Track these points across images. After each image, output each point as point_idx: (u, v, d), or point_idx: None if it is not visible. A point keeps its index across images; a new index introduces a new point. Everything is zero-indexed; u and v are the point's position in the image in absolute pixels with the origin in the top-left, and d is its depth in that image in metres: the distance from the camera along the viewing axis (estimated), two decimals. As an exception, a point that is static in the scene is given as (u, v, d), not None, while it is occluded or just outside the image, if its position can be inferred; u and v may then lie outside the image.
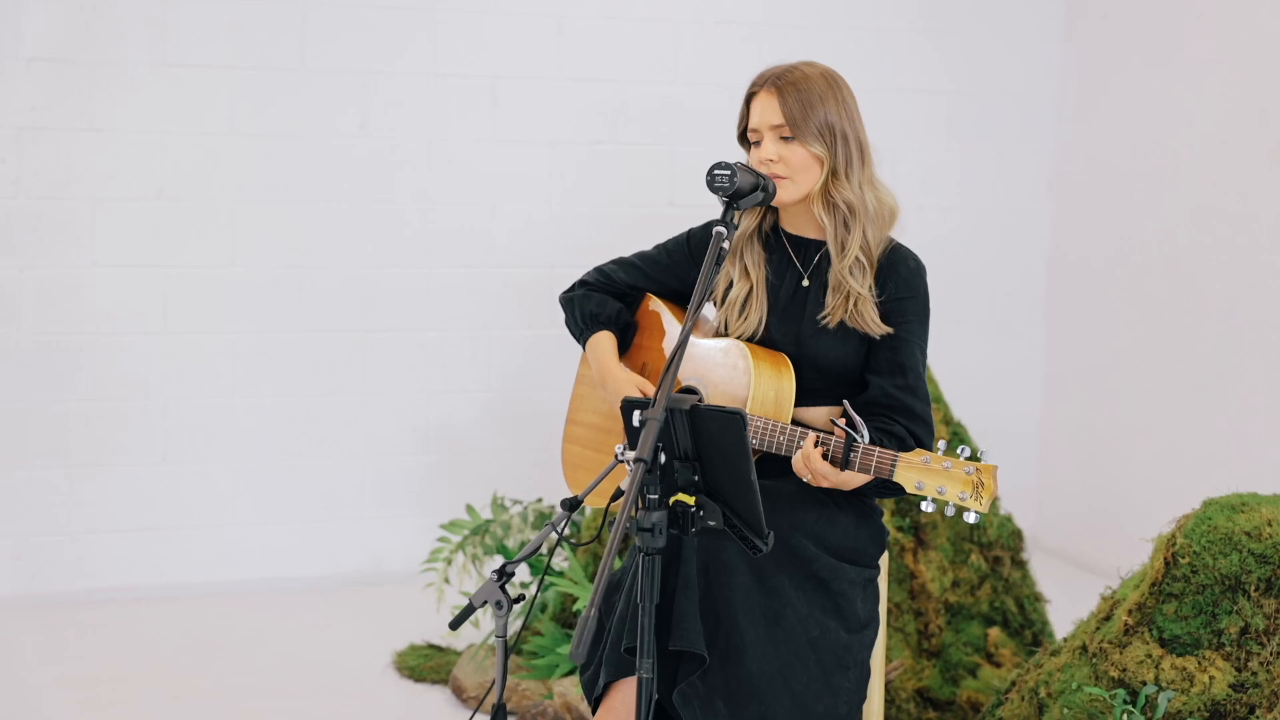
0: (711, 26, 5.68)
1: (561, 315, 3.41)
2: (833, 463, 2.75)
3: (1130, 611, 3.25)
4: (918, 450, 2.70)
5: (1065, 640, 3.47)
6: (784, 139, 2.99)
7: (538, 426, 5.65)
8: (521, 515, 4.81)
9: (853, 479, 2.78)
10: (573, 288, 3.32)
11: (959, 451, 2.66)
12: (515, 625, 4.59)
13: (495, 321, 5.59)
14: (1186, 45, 5.44)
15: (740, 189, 2.73)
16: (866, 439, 2.75)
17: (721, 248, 2.64)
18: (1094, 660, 3.28)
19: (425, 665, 4.63)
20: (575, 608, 4.26)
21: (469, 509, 4.81)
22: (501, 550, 4.73)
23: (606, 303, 3.24)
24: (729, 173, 2.71)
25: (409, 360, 5.52)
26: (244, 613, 5.17)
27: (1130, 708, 3.13)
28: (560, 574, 4.62)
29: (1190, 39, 5.42)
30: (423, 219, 5.48)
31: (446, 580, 4.75)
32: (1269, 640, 3.11)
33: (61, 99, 5.08)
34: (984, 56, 6.04)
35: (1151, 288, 5.60)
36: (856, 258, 2.98)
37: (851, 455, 2.73)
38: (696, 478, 2.51)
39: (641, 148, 5.67)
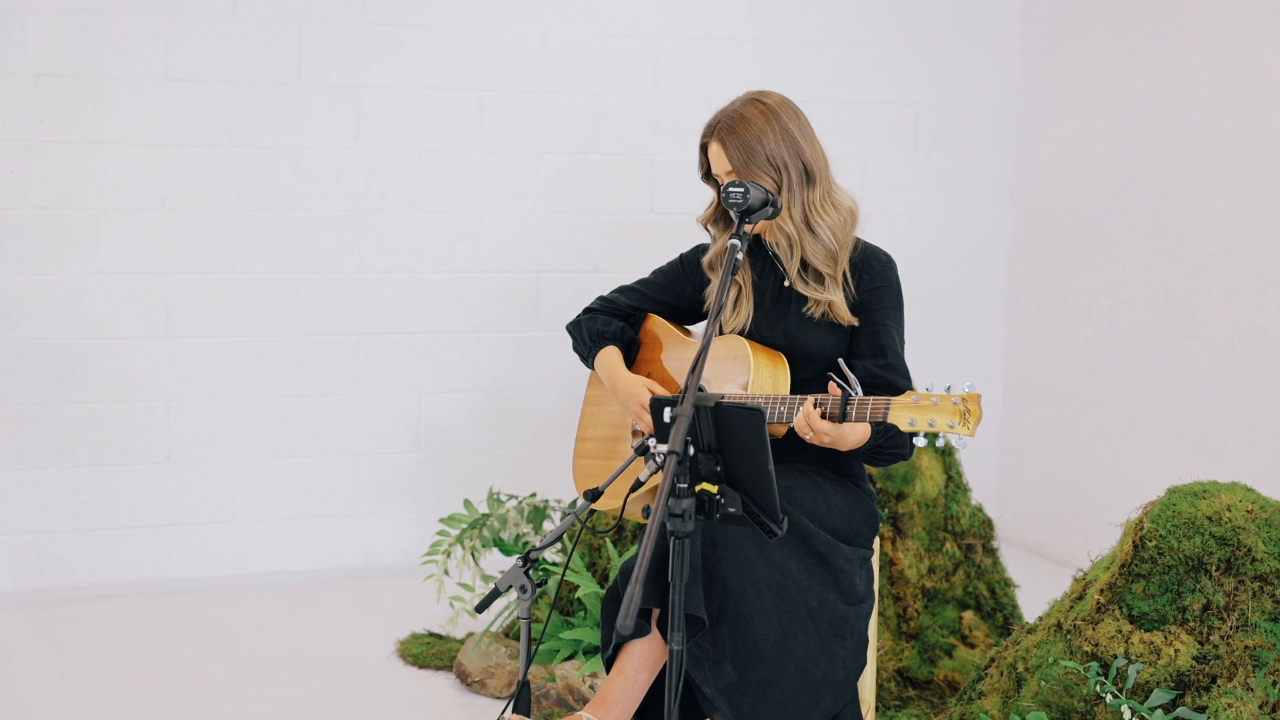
0: (689, 41, 5.92)
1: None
2: (831, 420, 3.01)
3: (1102, 591, 3.52)
4: (908, 392, 2.95)
5: (1040, 619, 3.74)
6: None
7: (524, 424, 5.89)
8: (518, 509, 5.03)
9: (850, 432, 3.03)
10: (579, 315, 3.60)
11: (948, 388, 2.92)
12: (509, 614, 4.81)
13: (483, 324, 5.81)
14: (1140, 60, 5.73)
15: (752, 205, 2.99)
16: (859, 393, 3.00)
17: (736, 258, 2.89)
18: (1069, 636, 3.55)
19: (428, 653, 4.85)
20: (577, 594, 4.48)
21: (466, 503, 5.03)
22: (499, 544, 4.95)
23: (610, 322, 3.52)
24: (743, 190, 2.97)
25: (401, 362, 5.74)
26: (245, 606, 5.37)
27: (1103, 679, 3.40)
28: (554, 565, 4.86)
29: (1144, 54, 5.72)
30: (414, 226, 5.69)
31: (446, 572, 4.97)
32: (1229, 616, 3.39)
33: (67, 112, 5.26)
34: (947, 71, 6.30)
35: (1107, 291, 5.89)
36: (814, 269, 3.27)
37: (848, 408, 2.99)
38: (718, 468, 2.76)
39: (623, 157, 5.90)
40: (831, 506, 3.20)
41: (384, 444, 5.76)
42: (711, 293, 3.43)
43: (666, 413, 2.71)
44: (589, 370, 3.67)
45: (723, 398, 2.76)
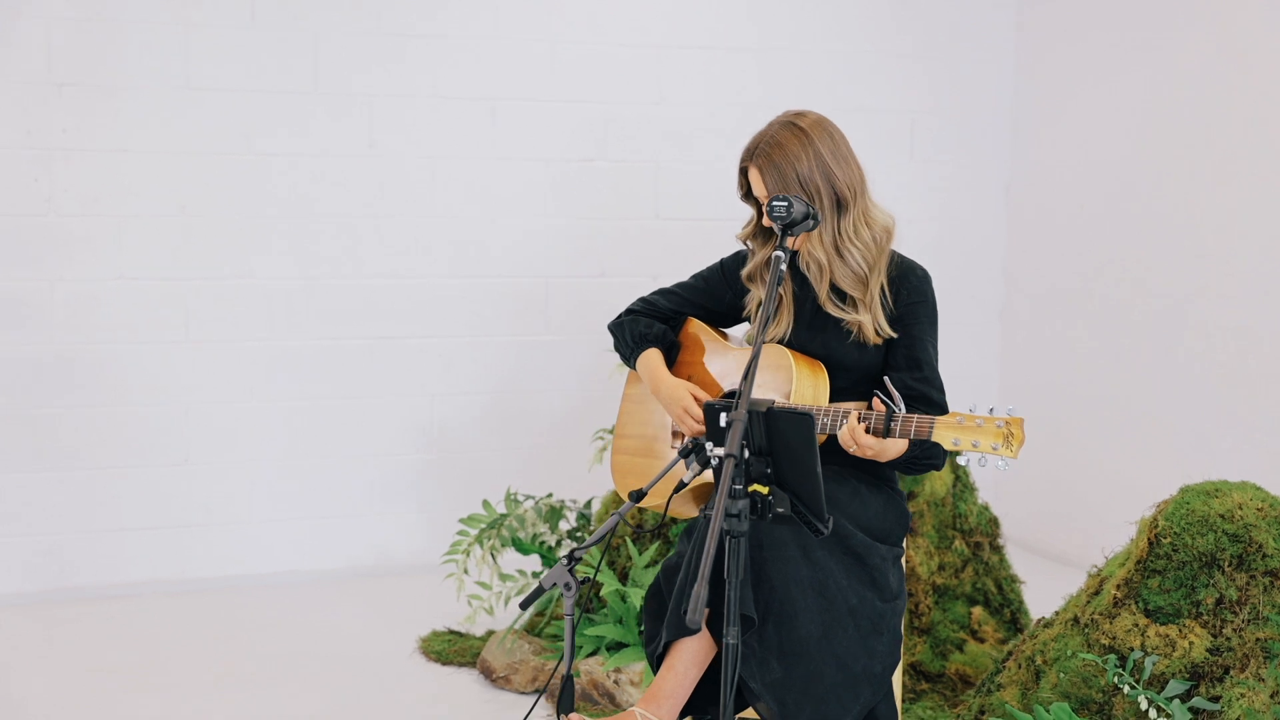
0: (693, 50, 6.05)
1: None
2: (874, 434, 3.15)
3: (1119, 586, 3.67)
4: (953, 412, 3.09)
5: (1057, 614, 3.89)
6: None
7: (532, 426, 6.01)
8: (535, 509, 5.15)
9: (891, 446, 3.17)
10: (621, 316, 3.70)
11: (990, 410, 3.06)
12: (531, 611, 4.93)
13: (493, 328, 5.92)
14: (1134, 64, 5.89)
15: (795, 219, 3.12)
16: (904, 410, 3.14)
17: (780, 270, 3.02)
18: (1086, 630, 3.70)
19: (450, 650, 4.97)
20: (600, 592, 4.61)
21: (485, 504, 5.14)
22: (516, 543, 5.07)
23: (653, 325, 3.63)
24: (786, 204, 3.10)
25: (412, 365, 5.85)
26: (263, 605, 5.47)
27: (1120, 671, 3.55)
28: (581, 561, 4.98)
29: (1138, 59, 5.88)
30: (425, 232, 5.80)
31: (466, 571, 5.08)
32: (1241, 610, 3.54)
33: (90, 121, 5.36)
34: (943, 78, 6.45)
35: (1103, 294, 6.05)
36: (837, 290, 3.40)
37: (892, 424, 3.12)
38: (769, 470, 2.89)
39: (628, 164, 6.03)
40: (867, 508, 3.33)
41: (396, 445, 5.88)
42: (752, 301, 3.55)
43: (722, 418, 2.83)
44: (628, 370, 3.78)
45: (774, 403, 2.89)
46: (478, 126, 5.82)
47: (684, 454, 3.31)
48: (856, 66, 6.32)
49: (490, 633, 5.10)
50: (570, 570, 3.42)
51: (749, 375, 2.85)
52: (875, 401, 3.16)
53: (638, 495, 3.35)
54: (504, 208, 5.90)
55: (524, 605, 3.50)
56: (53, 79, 5.29)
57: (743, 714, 3.44)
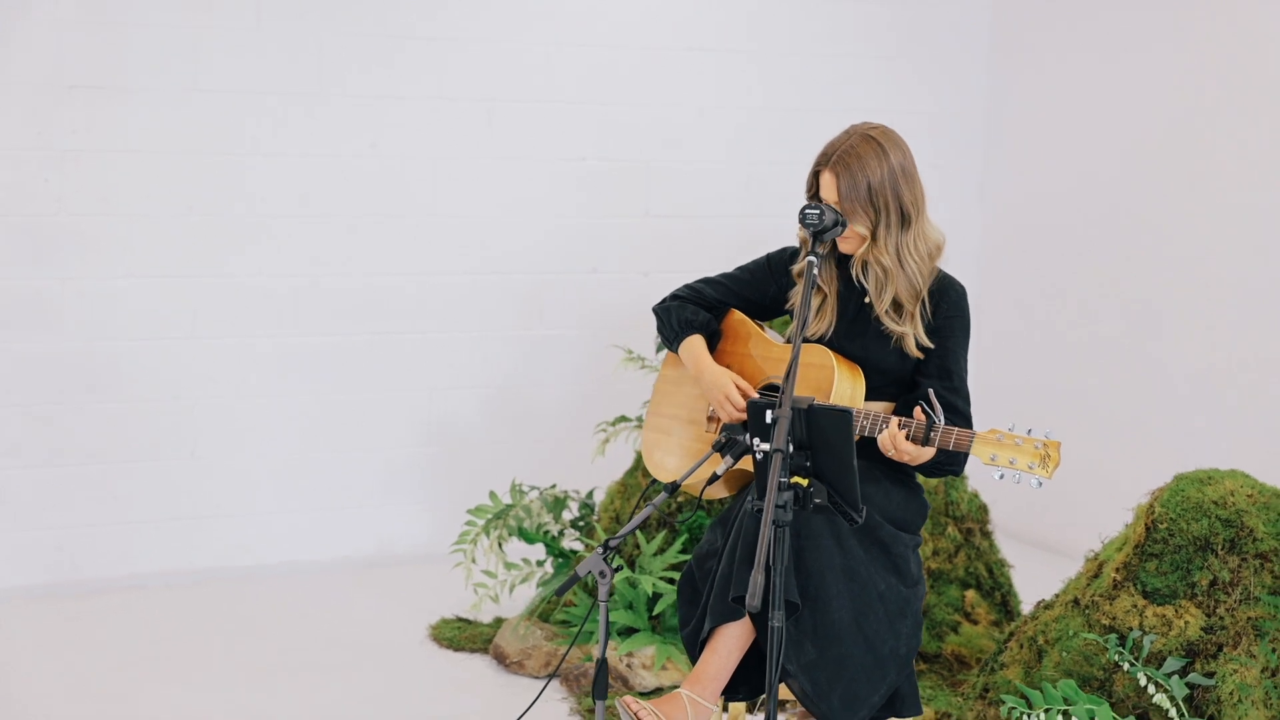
0: (682, 53, 6.23)
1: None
2: (914, 441, 3.34)
3: (1118, 569, 3.89)
4: (993, 429, 3.28)
5: (1057, 596, 4.10)
6: None
7: (530, 419, 6.18)
8: (541, 499, 5.32)
9: (925, 454, 3.36)
10: (666, 300, 3.85)
11: (1029, 431, 3.26)
12: (542, 599, 5.10)
13: (494, 324, 6.09)
14: (1107, 69, 6.13)
15: (825, 225, 3.31)
16: (943, 421, 3.34)
17: (814, 274, 3.21)
18: (1087, 611, 3.91)
19: (461, 636, 5.14)
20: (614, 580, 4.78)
21: (492, 495, 5.31)
22: (522, 533, 5.24)
23: (698, 312, 3.79)
24: (818, 212, 3.29)
25: (415, 361, 6.00)
26: (272, 595, 5.62)
27: (1121, 649, 3.77)
28: (574, 553, 5.17)
29: (1111, 64, 6.11)
30: (426, 231, 5.96)
31: (474, 560, 5.25)
32: (1233, 590, 3.76)
33: (99, 122, 5.47)
34: (918, 81, 6.66)
35: (1076, 293, 6.28)
36: (894, 301, 3.57)
37: (932, 434, 3.32)
38: (808, 464, 3.08)
39: (621, 163, 6.20)
40: (891, 500, 3.53)
41: (398, 439, 6.03)
42: (796, 295, 3.71)
43: (768, 415, 3.01)
44: (667, 351, 3.92)
45: (814, 401, 3.07)
46: (476, 127, 5.97)
47: (717, 448, 3.50)
48: (835, 69, 6.51)
49: (498, 620, 5.27)
50: (605, 559, 3.60)
51: (790, 374, 3.03)
52: (917, 411, 3.35)
53: (673, 487, 3.53)
54: (502, 207, 6.06)
55: (559, 593, 3.67)
56: (62, 81, 5.40)
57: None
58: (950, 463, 3.47)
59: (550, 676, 3.89)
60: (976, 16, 6.74)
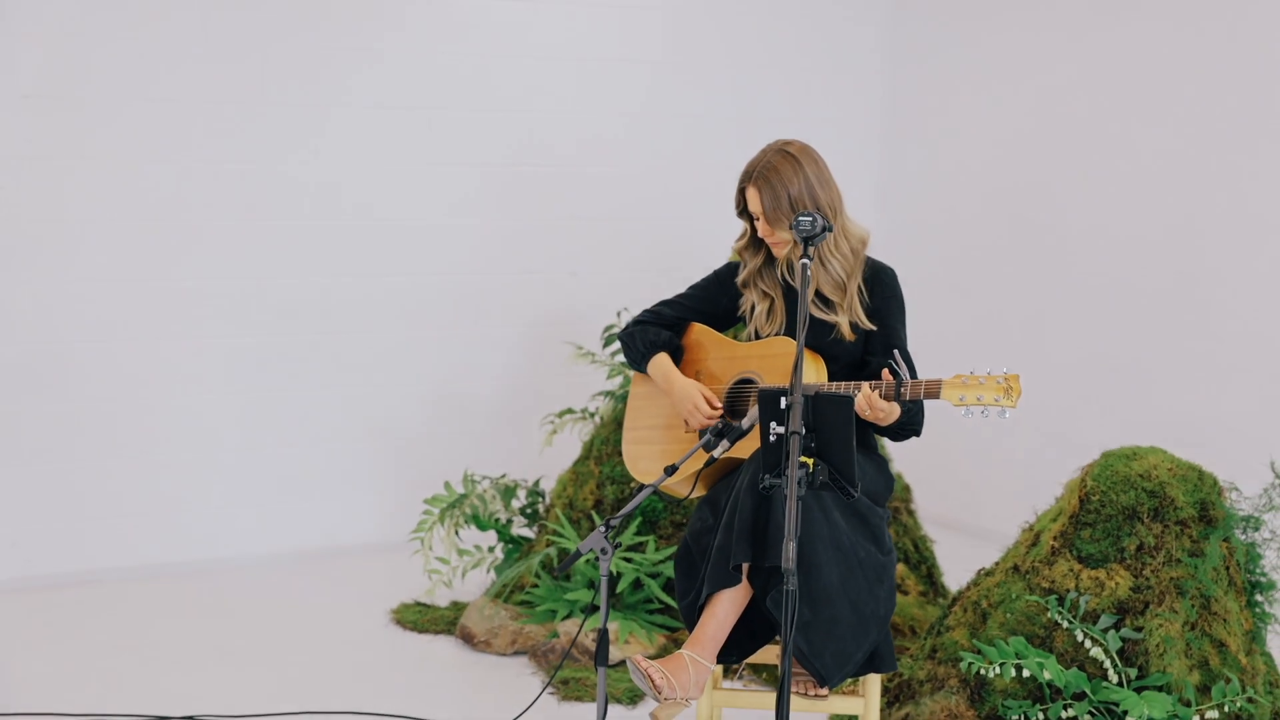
0: (611, 64, 6.56)
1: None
2: (886, 399, 3.70)
3: (1055, 537, 4.33)
4: (956, 375, 3.65)
5: (997, 564, 4.53)
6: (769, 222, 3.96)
7: (470, 414, 6.46)
8: (494, 488, 5.62)
9: (895, 411, 3.72)
10: (629, 325, 4.21)
11: (988, 371, 3.63)
12: (501, 580, 5.39)
13: (433, 323, 6.35)
14: (1001, 77, 6.61)
15: (815, 231, 3.67)
16: (909, 378, 3.71)
17: (807, 275, 3.58)
18: (1027, 576, 4.34)
19: (424, 619, 5.40)
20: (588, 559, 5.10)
21: (446, 485, 5.59)
22: (476, 520, 5.53)
23: (660, 333, 4.15)
24: (811, 219, 3.65)
25: (358, 359, 6.24)
26: (226, 586, 5.82)
27: (1060, 609, 4.20)
28: (524, 540, 5.47)
29: (1005, 71, 6.59)
30: (369, 234, 6.20)
31: (430, 548, 5.52)
32: (1157, 554, 4.22)
33: (52, 131, 5.62)
34: (822, 91, 7.07)
35: (973, 291, 6.75)
36: (821, 296, 3.97)
37: (902, 389, 3.69)
38: (812, 444, 3.43)
39: (551, 169, 6.51)
40: (865, 474, 3.90)
41: (343, 435, 6.27)
42: (745, 303, 4.09)
43: (782, 401, 3.36)
44: (635, 373, 4.27)
45: (822, 387, 3.43)
46: (414, 134, 6.22)
47: (716, 434, 3.84)
48: (741, 79, 6.89)
49: (454, 603, 5.54)
50: (606, 536, 3.92)
51: (797, 367, 3.39)
52: (885, 373, 3.73)
53: (671, 469, 3.86)
54: (439, 211, 6.33)
55: (561, 569, 3.98)
56: (17, 90, 5.54)
57: (750, 660, 3.98)
58: (912, 423, 3.85)
59: (547, 685, 4.17)
60: (874, 29, 7.17)
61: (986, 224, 6.70)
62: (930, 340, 6.95)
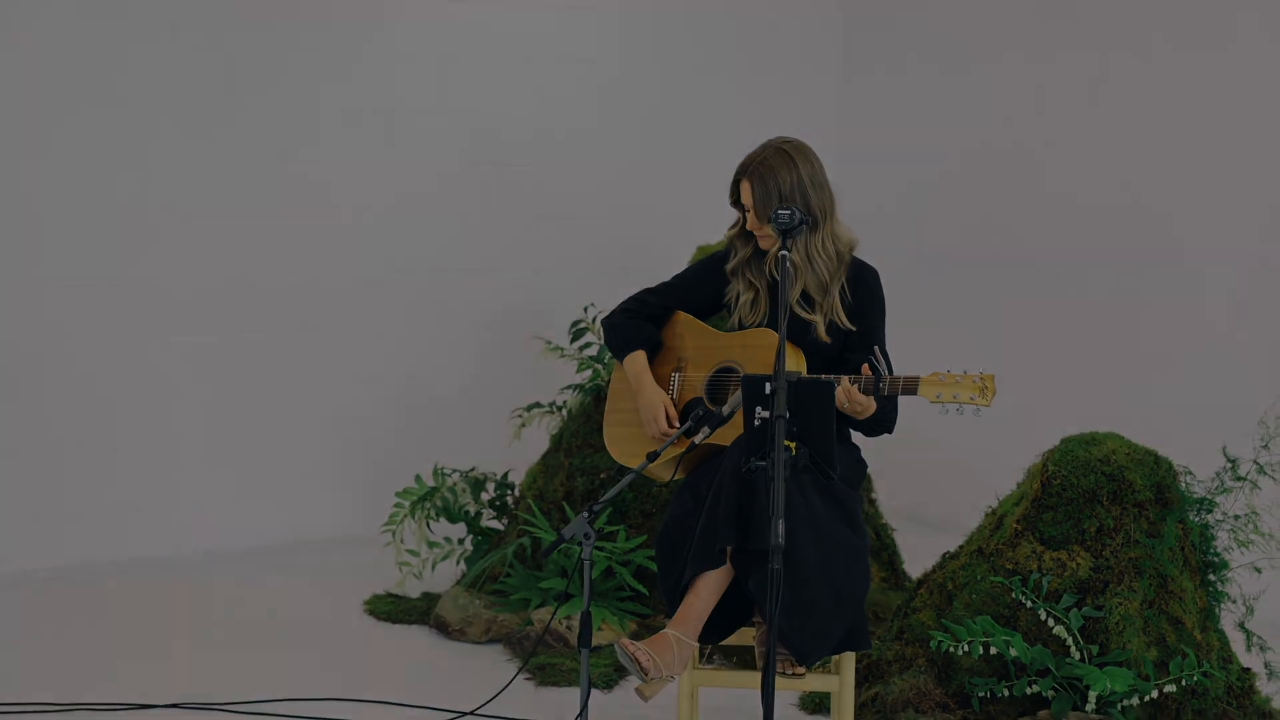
0: (573, 64, 6.68)
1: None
2: (865, 393, 3.84)
3: (1018, 521, 4.48)
4: (934, 372, 3.79)
5: (961, 547, 4.68)
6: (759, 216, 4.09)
7: (438, 409, 6.56)
8: (464, 480, 5.71)
9: (871, 405, 3.86)
10: (615, 313, 4.31)
11: (964, 370, 3.77)
12: (474, 570, 5.48)
13: (399, 320, 6.45)
14: (948, 81, 6.78)
15: (793, 224, 3.80)
16: (888, 374, 3.85)
17: (787, 266, 3.71)
18: (991, 558, 4.49)
19: (397, 610, 5.49)
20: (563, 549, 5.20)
21: (417, 478, 5.69)
22: (446, 513, 5.62)
23: (642, 327, 4.26)
24: (789, 212, 3.78)
25: (324, 356, 6.33)
26: (197, 581, 5.87)
27: (1024, 589, 4.35)
28: (493, 532, 5.56)
29: (952, 76, 6.77)
30: (334, 233, 6.28)
31: (401, 540, 5.61)
32: (1116, 536, 4.38)
33: (20, 131, 5.67)
34: (778, 92, 7.22)
35: (929, 296, 6.91)
36: (804, 294, 4.09)
37: (880, 384, 3.82)
38: (794, 428, 3.56)
39: (512, 168, 6.61)
40: (840, 460, 4.04)
41: (309, 430, 6.35)
42: (731, 292, 4.21)
43: (767, 386, 3.49)
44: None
45: (801, 375, 3.56)
46: (378, 136, 6.31)
47: (702, 420, 3.96)
48: (698, 85, 7.03)
49: (425, 594, 5.64)
50: (590, 522, 4.03)
51: (780, 355, 3.52)
52: (865, 368, 3.86)
53: (653, 456, 3.98)
54: (404, 210, 6.42)
55: (544, 555, 4.08)
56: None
57: (726, 642, 4.10)
58: (886, 419, 3.99)
59: (522, 668, 4.26)
60: (828, 33, 7.32)
61: (941, 224, 6.87)
62: (896, 336, 7.13)
